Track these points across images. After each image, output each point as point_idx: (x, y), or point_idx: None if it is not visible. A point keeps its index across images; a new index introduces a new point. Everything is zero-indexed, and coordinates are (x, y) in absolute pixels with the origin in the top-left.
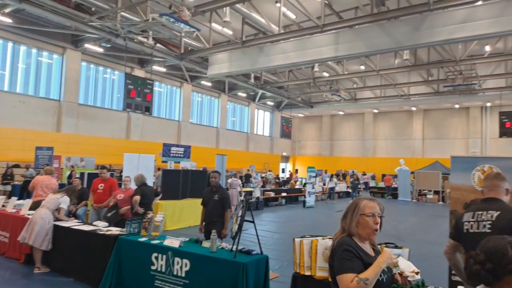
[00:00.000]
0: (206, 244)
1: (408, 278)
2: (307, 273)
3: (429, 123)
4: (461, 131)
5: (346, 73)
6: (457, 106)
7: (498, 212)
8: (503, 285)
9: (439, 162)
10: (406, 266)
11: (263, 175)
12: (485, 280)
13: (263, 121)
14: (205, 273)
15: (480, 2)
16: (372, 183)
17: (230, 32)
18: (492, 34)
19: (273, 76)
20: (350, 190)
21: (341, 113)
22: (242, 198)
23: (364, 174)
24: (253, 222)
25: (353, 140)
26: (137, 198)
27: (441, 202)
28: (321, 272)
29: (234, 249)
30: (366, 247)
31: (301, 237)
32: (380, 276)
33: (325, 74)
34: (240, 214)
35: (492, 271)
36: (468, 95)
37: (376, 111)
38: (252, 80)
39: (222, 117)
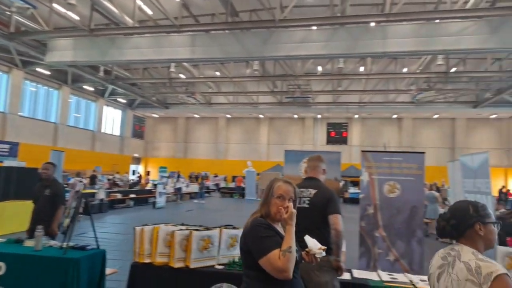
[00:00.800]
0: (29, 243)
1: (316, 255)
2: (147, 260)
3: (274, 130)
4: (299, 138)
5: (202, 77)
6: (295, 116)
7: (316, 191)
8: (465, 238)
9: (280, 164)
10: (313, 244)
11: (110, 177)
12: (450, 234)
13: (113, 119)
14: (28, 275)
15: (314, 27)
16: (223, 184)
17: (77, 18)
18: (322, 55)
19: (126, 71)
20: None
21: (196, 116)
22: (77, 189)
23: (216, 176)
24: (88, 214)
25: (207, 143)
26: None
27: None
28: (161, 258)
29: (65, 245)
30: (278, 228)
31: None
32: None
33: (182, 76)
34: (73, 206)
35: (455, 226)
36: (304, 107)
37: (229, 116)
38: (102, 74)
39: (63, 111)
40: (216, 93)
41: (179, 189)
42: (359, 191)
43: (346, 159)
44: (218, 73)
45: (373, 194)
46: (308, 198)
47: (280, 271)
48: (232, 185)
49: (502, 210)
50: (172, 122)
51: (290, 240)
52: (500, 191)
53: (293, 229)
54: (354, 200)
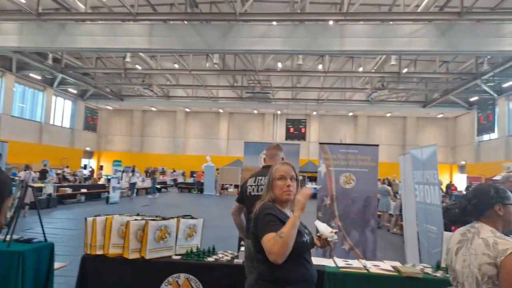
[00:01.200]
0: None
1: (328, 239)
2: (99, 252)
3: (233, 125)
4: (258, 133)
5: (159, 68)
6: (255, 111)
7: None
8: (484, 217)
9: (240, 160)
10: (324, 229)
11: (59, 171)
12: (471, 213)
13: (62, 110)
14: None
15: (275, 23)
16: (181, 179)
17: (23, 0)
18: (282, 51)
19: (78, 60)
20: (158, 186)
21: (153, 109)
22: (22, 178)
23: (174, 171)
24: (35, 208)
25: (164, 137)
26: None
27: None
28: (115, 249)
29: (8, 238)
30: (288, 212)
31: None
32: (304, 237)
33: (138, 67)
34: (17, 196)
35: (476, 205)
36: (264, 103)
37: (187, 110)
38: (50, 61)
39: (7, 100)
40: (174, 86)
41: (134, 184)
42: (317, 186)
43: (304, 155)
44: (176, 65)
45: (330, 185)
46: (262, 186)
47: (269, 253)
48: (190, 180)
49: (447, 201)
50: (127, 115)
51: (286, 227)
52: (447, 186)
53: (298, 217)
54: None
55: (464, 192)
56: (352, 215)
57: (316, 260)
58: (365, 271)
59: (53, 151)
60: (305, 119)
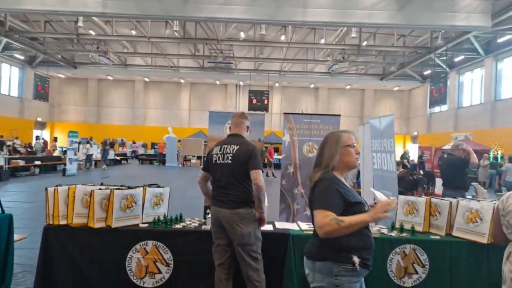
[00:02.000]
0: None
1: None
2: (62, 222)
3: (195, 96)
4: (221, 104)
5: (115, 34)
6: (218, 82)
7: (238, 146)
8: None
9: (202, 131)
10: (381, 197)
11: (9, 143)
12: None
13: (9, 77)
14: None
15: None
16: (142, 151)
17: None
18: (245, 19)
19: (24, 24)
20: (118, 158)
21: (110, 78)
22: None
23: (134, 143)
24: None
25: (123, 107)
26: None
27: (202, 166)
28: (79, 219)
29: None
30: (343, 180)
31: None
32: (365, 207)
33: (92, 32)
34: None
35: None
36: (226, 73)
37: (147, 79)
38: None
39: None
40: (132, 54)
41: (90, 155)
42: (279, 157)
43: (267, 126)
44: (134, 32)
45: (293, 154)
46: (231, 154)
47: (319, 227)
48: (152, 152)
49: (400, 169)
50: (81, 84)
51: (352, 221)
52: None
53: (366, 221)
54: (274, 166)
55: (416, 162)
56: None
57: (281, 225)
58: None
59: (1, 122)
60: (268, 91)
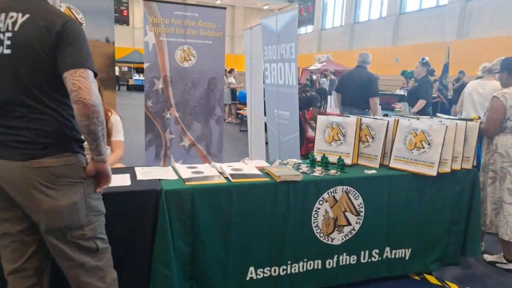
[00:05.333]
0: None
1: None
2: None
3: None
4: None
5: None
6: None
7: (28, 15)
8: None
9: None
10: None
11: None
12: None
13: None
14: None
15: None
16: None
17: None
18: None
19: None
20: None
21: None
22: None
23: None
24: None
25: None
26: None
27: None
28: None
29: None
30: None
31: None
32: None
33: None
34: None
35: None
36: None
37: None
38: None
39: None
40: None
41: None
42: (142, 78)
43: (129, 43)
44: None
45: (162, 63)
46: (9, 33)
47: None
48: None
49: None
50: None
51: None
52: None
53: None
54: (139, 88)
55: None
56: (193, 102)
57: (145, 172)
58: (224, 182)
59: None
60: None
